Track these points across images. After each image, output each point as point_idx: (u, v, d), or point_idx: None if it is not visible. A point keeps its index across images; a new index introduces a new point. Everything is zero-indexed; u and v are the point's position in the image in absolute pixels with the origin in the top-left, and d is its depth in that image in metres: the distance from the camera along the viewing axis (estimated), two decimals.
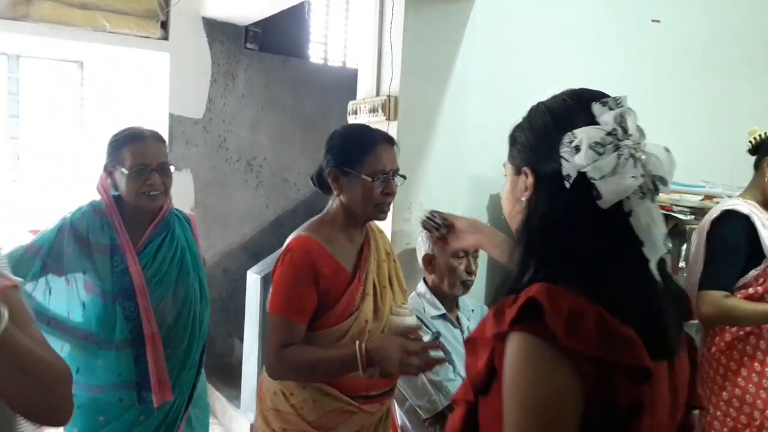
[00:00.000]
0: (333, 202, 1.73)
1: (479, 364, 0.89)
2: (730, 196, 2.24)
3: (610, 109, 0.90)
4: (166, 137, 4.27)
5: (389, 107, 2.61)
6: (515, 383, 0.83)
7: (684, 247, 2.46)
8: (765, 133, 2.14)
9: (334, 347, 1.60)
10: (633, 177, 0.85)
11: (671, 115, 3.20)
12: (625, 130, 0.88)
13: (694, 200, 2.49)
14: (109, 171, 1.88)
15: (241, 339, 3.77)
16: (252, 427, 2.36)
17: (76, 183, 4.76)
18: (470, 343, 0.93)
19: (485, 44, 2.76)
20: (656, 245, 0.87)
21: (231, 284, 4.48)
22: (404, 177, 1.73)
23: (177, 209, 2.05)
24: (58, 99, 4.76)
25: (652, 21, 3.25)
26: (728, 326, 2.07)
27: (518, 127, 1.04)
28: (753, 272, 2.04)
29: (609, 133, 0.87)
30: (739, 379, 2.04)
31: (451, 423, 0.97)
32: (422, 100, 2.65)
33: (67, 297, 1.85)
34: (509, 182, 1.01)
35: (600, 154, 0.85)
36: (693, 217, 2.34)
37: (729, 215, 2.08)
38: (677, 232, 2.41)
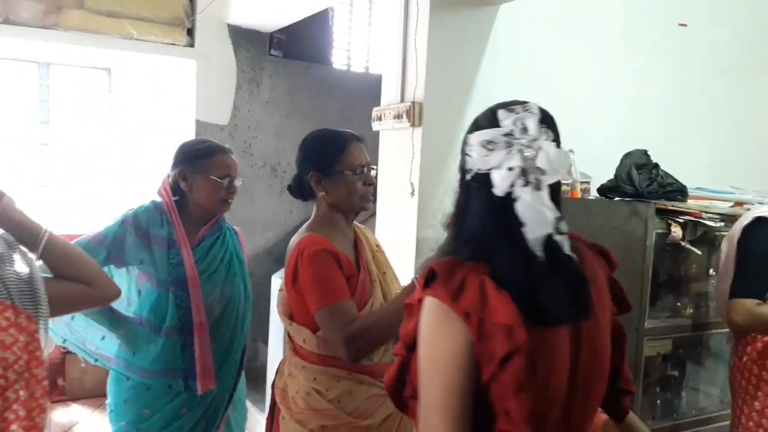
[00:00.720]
0: (318, 207, 1.80)
1: (410, 324, 1.06)
2: (761, 203, 2.20)
3: (510, 112, 1.03)
4: None
5: (414, 113, 2.61)
6: (421, 336, 1.02)
7: (714, 255, 2.42)
8: None
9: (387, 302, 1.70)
10: (509, 168, 0.99)
11: (698, 119, 3.16)
12: (524, 130, 1.01)
13: (724, 207, 2.45)
14: (183, 176, 2.02)
15: (266, 343, 3.79)
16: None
17: (104, 187, 4.84)
18: (408, 307, 1.09)
19: (510, 50, 2.76)
20: (541, 227, 0.98)
21: (256, 289, 4.42)
22: (376, 168, 1.84)
23: (227, 223, 2.20)
24: (87, 105, 4.84)
25: (680, 25, 3.22)
26: (760, 335, 2.04)
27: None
28: None
29: (506, 134, 1.01)
30: None
31: (388, 372, 1.14)
32: (447, 106, 2.65)
33: (127, 284, 2.01)
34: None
35: (490, 150, 1.01)
36: (723, 224, 2.30)
37: (760, 222, 2.04)
38: (707, 239, 2.37)
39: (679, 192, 2.41)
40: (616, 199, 2.42)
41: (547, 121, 1.06)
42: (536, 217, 0.98)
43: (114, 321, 2.00)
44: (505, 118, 1.03)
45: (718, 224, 2.31)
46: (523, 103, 1.06)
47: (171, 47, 4.31)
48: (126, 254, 1.98)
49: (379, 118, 2.84)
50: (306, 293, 1.65)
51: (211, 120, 4.42)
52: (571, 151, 2.73)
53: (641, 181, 2.38)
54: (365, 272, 1.78)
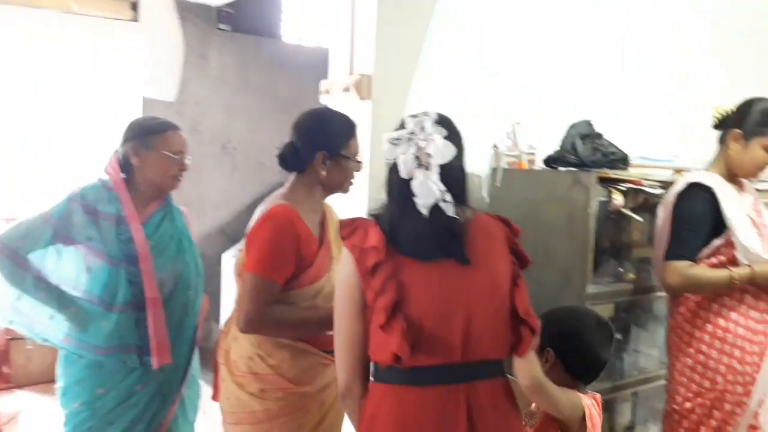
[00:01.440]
0: (300, 180, 1.82)
1: None
2: (697, 170, 2.28)
3: (417, 118, 1.38)
4: None
5: (363, 86, 2.60)
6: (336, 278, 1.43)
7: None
8: (729, 109, 2.18)
9: (313, 309, 1.76)
10: (403, 153, 1.34)
11: (642, 89, 3.24)
12: (422, 129, 1.36)
13: (664, 174, 2.52)
14: (133, 152, 2.02)
15: (218, 322, 3.77)
16: None
17: (47, 168, 4.68)
18: None
19: (458, 21, 2.76)
20: (428, 197, 1.32)
21: (209, 269, 4.36)
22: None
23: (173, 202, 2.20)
24: (26, 83, 4.65)
25: None
26: (693, 295, 2.12)
27: None
28: (716, 242, 2.08)
29: (410, 133, 1.36)
30: (702, 345, 2.09)
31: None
32: (396, 78, 2.65)
33: (75, 262, 2.00)
34: None
35: (395, 145, 1.36)
36: (663, 191, 2.37)
37: (693, 188, 2.12)
38: (648, 206, 2.44)
39: (622, 161, 2.47)
40: (561, 169, 2.47)
41: (443, 122, 1.40)
42: (425, 190, 1.32)
43: (63, 300, 1.98)
44: (409, 123, 1.38)
45: (659, 191, 2.38)
46: (425, 112, 1.41)
47: (115, 22, 4.17)
48: (73, 232, 1.97)
49: (327, 92, 2.82)
50: (249, 252, 1.70)
51: (158, 97, 4.31)
52: (517, 123, 2.77)
53: (585, 151, 2.43)
54: (327, 249, 1.82)
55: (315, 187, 1.82)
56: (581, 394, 1.56)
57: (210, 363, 1.98)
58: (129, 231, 2.00)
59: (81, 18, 4.03)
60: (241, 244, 1.84)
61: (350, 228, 1.38)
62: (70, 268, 2.00)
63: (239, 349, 1.77)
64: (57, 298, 1.97)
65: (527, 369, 1.40)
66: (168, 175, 2.04)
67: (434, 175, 1.33)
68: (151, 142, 2.02)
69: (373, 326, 1.32)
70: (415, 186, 1.33)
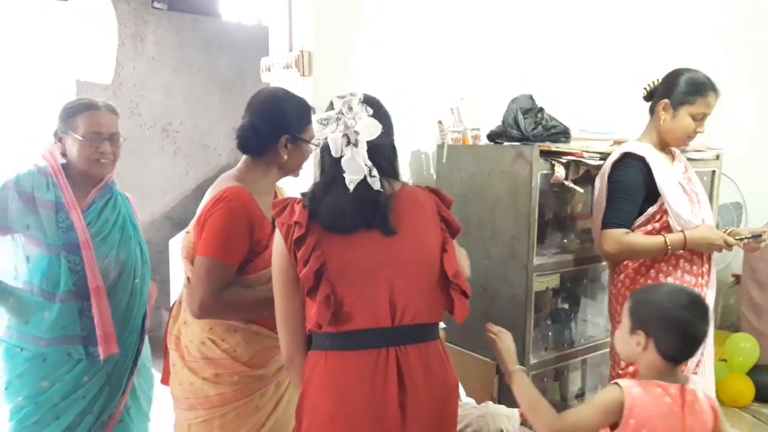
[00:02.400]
0: (253, 161, 1.78)
1: None
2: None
3: (344, 99, 1.42)
4: None
5: (303, 63, 2.55)
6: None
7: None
8: (657, 80, 2.25)
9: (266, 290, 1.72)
10: (332, 132, 1.39)
11: (585, 62, 3.29)
12: (350, 109, 1.40)
13: (604, 146, 2.57)
14: (59, 137, 1.95)
15: (168, 309, 3.69)
16: None
17: None
18: None
19: None
20: (355, 173, 1.37)
21: (155, 256, 4.31)
22: None
23: (117, 188, 2.11)
24: None
25: None
26: (631, 261, 2.19)
27: None
28: (650, 210, 2.15)
29: (338, 113, 1.41)
30: None
31: None
32: (337, 55, 2.61)
33: (14, 252, 1.93)
34: None
35: (324, 125, 1.41)
36: (603, 162, 2.42)
37: (626, 157, 2.18)
38: (590, 177, 2.49)
39: (563, 134, 2.51)
40: (504, 143, 2.49)
41: (369, 101, 1.44)
42: (353, 166, 1.37)
43: (1, 292, 1.91)
44: (337, 103, 1.43)
45: (599, 162, 2.43)
46: (354, 94, 1.45)
47: (44, 1, 3.97)
48: (10, 220, 1.89)
49: (268, 69, 2.76)
50: (201, 235, 1.66)
51: (93, 79, 4.14)
52: (460, 99, 2.78)
53: (527, 125, 2.46)
54: (264, 234, 1.77)
55: (270, 170, 1.79)
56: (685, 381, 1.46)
57: (160, 350, 1.93)
58: (69, 218, 1.92)
59: None
60: (189, 227, 1.79)
61: (281, 207, 1.43)
62: (8, 258, 1.93)
63: (190, 333, 1.73)
64: None
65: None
66: (88, 159, 1.94)
67: (362, 151, 1.38)
68: (67, 125, 1.93)
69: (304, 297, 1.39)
70: (344, 162, 1.37)
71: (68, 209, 1.93)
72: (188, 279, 1.75)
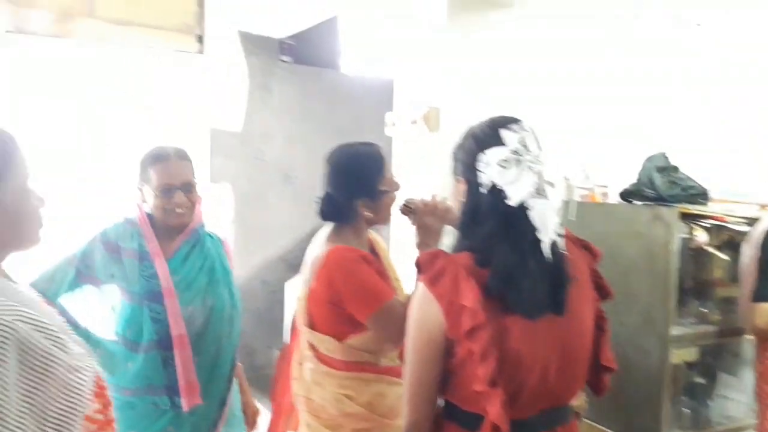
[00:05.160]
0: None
1: None
2: None
3: (515, 132, 1.20)
4: (207, 152, 4.34)
5: (430, 118, 2.58)
6: (408, 316, 1.25)
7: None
8: None
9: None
10: (530, 184, 1.17)
11: (717, 121, 3.11)
12: (526, 148, 1.18)
13: (749, 210, 2.39)
14: (138, 188, 1.97)
15: (279, 349, 3.76)
16: None
17: (112, 200, 4.83)
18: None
19: (527, 51, 2.72)
20: (548, 230, 1.17)
21: (270, 296, 4.49)
22: None
23: (210, 231, 2.10)
24: (103, 116, 4.82)
25: (697, 25, 3.17)
26: None
27: (457, 147, 1.32)
28: None
29: (513, 152, 1.17)
30: None
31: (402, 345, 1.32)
32: (464, 110, 2.61)
33: (100, 302, 1.94)
34: (453, 188, 1.32)
35: (505, 168, 1.17)
36: (749, 227, 2.25)
37: None
38: (731, 243, 2.32)
39: (701, 195, 2.37)
40: (638, 203, 2.37)
41: (535, 136, 1.24)
42: (546, 222, 1.17)
43: (89, 343, 1.91)
44: (509, 137, 1.19)
45: (744, 228, 2.26)
46: (514, 120, 1.23)
47: (182, 54, 4.30)
48: (96, 270, 1.91)
49: (393, 124, 2.81)
50: (349, 303, 1.64)
51: (225, 128, 4.40)
52: (588, 155, 2.70)
53: (662, 185, 2.33)
54: (388, 279, 1.79)
55: (360, 226, 1.77)
56: None
57: (269, 390, 1.91)
58: (152, 266, 1.91)
59: (150, 51, 4.16)
60: (299, 293, 1.77)
61: (433, 272, 1.19)
62: (97, 309, 1.95)
63: (323, 392, 1.72)
64: (84, 341, 1.94)
65: None
66: (164, 210, 1.91)
67: (556, 204, 1.17)
68: (143, 177, 1.95)
69: (459, 370, 1.20)
70: (536, 218, 1.16)
71: (152, 257, 1.91)
72: (308, 343, 1.75)
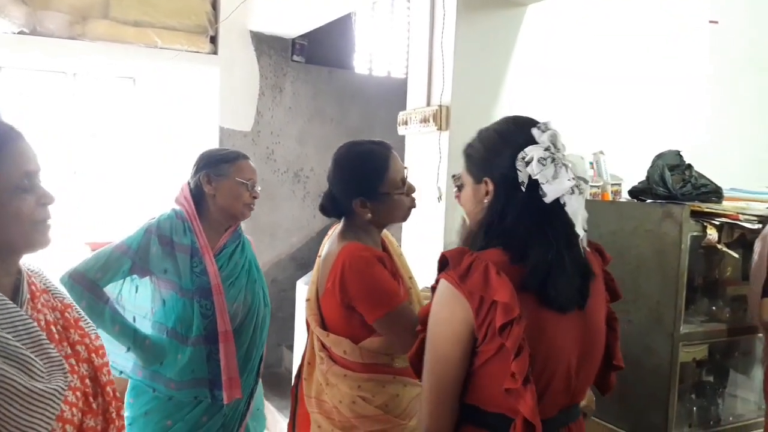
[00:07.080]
0: (352, 217, 1.76)
1: (429, 305, 1.25)
2: None
3: (543, 131, 1.21)
4: None
5: (441, 117, 2.59)
6: (431, 314, 1.22)
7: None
8: None
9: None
10: (569, 180, 1.17)
11: (731, 118, 3.10)
12: (556, 147, 1.20)
13: (761, 208, 2.38)
14: (208, 180, 2.02)
15: (291, 348, 3.79)
16: None
17: (129, 195, 4.88)
18: (432, 289, 1.26)
19: (537, 51, 2.72)
20: (582, 227, 1.19)
21: (279, 294, 4.52)
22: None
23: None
24: (112, 114, 4.88)
25: (710, 22, 3.16)
26: None
27: (471, 146, 1.32)
28: None
29: (546, 149, 1.19)
30: None
31: (412, 348, 1.30)
32: (474, 109, 2.62)
33: (151, 294, 2.01)
34: (470, 189, 1.30)
35: (544, 165, 1.18)
36: (761, 225, 2.24)
37: None
38: (743, 241, 2.31)
39: (714, 193, 2.35)
40: (649, 201, 2.37)
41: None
42: (579, 218, 1.19)
43: (137, 335, 1.98)
44: (540, 136, 1.21)
45: (756, 226, 2.25)
46: (533, 121, 1.25)
47: (195, 55, 4.34)
48: (150, 263, 1.97)
49: (405, 123, 2.82)
50: (359, 304, 1.63)
51: (235, 127, 4.44)
52: (600, 152, 2.70)
53: (674, 183, 2.33)
54: (399, 277, 1.78)
55: (367, 225, 1.75)
56: None
57: (280, 388, 1.92)
58: (203, 263, 1.98)
59: (163, 51, 4.21)
60: (308, 294, 1.78)
61: (461, 269, 1.16)
62: (145, 299, 2.01)
63: (338, 394, 1.70)
64: (132, 332, 1.97)
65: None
66: (241, 202, 2.03)
67: (584, 201, 1.20)
68: (225, 170, 2.02)
69: (482, 370, 1.18)
70: (572, 214, 1.18)
71: (202, 254, 1.98)
72: (321, 344, 1.74)
